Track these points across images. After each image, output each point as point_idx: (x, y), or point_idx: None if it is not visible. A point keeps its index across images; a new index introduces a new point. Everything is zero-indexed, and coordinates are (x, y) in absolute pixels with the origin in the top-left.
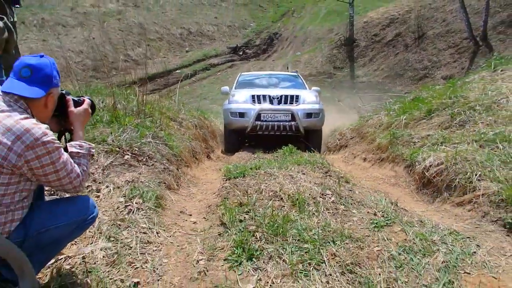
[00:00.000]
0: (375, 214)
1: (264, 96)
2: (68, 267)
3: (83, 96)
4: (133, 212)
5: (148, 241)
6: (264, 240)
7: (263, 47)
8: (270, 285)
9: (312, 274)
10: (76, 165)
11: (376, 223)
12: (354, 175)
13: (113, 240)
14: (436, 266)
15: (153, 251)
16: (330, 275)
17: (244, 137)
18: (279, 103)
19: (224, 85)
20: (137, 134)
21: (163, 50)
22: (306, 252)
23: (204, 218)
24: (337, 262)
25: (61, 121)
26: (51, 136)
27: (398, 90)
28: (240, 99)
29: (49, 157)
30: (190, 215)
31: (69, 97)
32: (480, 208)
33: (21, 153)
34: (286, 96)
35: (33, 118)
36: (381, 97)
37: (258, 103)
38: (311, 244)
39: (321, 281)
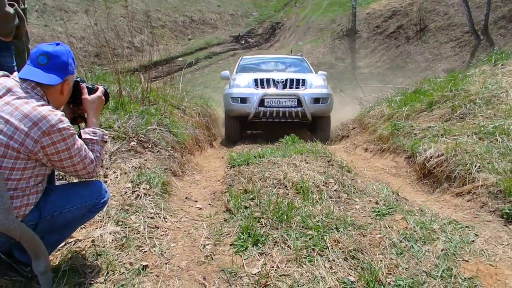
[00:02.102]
0: (377, 203)
1: (268, 80)
2: (78, 250)
3: (97, 84)
4: (140, 197)
5: (155, 225)
6: (269, 226)
7: (265, 36)
8: (275, 270)
9: (316, 260)
10: (90, 151)
11: (378, 211)
12: (356, 165)
13: (121, 225)
14: (436, 254)
15: (161, 235)
16: (333, 260)
17: (246, 126)
18: (284, 87)
19: None
20: (143, 121)
21: (165, 37)
22: (310, 238)
23: (209, 204)
24: (340, 248)
25: (75, 108)
26: (67, 123)
27: (399, 82)
28: (242, 83)
29: (64, 143)
30: (196, 201)
31: (83, 85)
32: (479, 198)
33: (38, 139)
34: (291, 80)
35: (49, 104)
36: (382, 88)
37: (262, 87)
38: (315, 231)
39: (325, 266)
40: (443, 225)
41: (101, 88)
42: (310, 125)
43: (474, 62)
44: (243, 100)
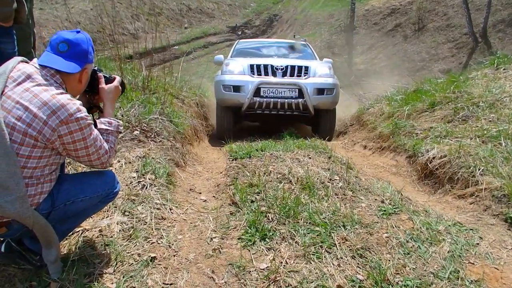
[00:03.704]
0: (382, 202)
1: (265, 66)
2: (85, 239)
3: (113, 75)
4: (146, 187)
5: (162, 217)
6: (276, 221)
7: (262, 28)
8: (284, 266)
9: (324, 257)
10: (104, 142)
11: (384, 210)
12: (355, 162)
13: (128, 215)
14: (443, 255)
15: (167, 227)
16: (341, 258)
17: (240, 118)
18: (284, 75)
19: None
20: (145, 110)
21: (161, 25)
22: (317, 235)
23: (213, 196)
24: (347, 246)
25: (91, 97)
26: (84, 112)
27: (395, 80)
28: (236, 70)
29: (81, 133)
30: (200, 193)
31: (101, 74)
32: (482, 201)
33: (55, 127)
34: (292, 67)
35: (67, 93)
36: (380, 86)
37: (258, 74)
38: (322, 228)
39: (333, 264)
40: (448, 226)
41: (118, 78)
42: (313, 119)
43: (471, 64)
44: (236, 88)
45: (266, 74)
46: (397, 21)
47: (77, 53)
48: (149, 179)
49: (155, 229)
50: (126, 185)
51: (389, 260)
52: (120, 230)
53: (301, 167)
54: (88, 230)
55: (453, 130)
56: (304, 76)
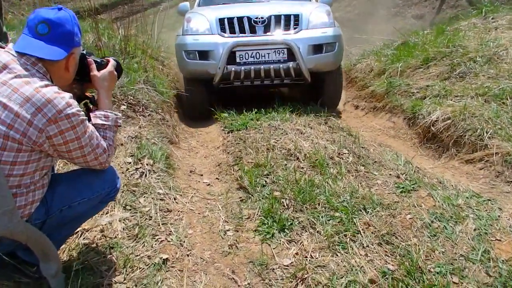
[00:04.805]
0: (398, 177)
1: (240, 20)
2: (87, 242)
3: (106, 57)
4: (145, 175)
5: (167, 209)
6: (292, 208)
7: None
8: (309, 260)
9: (350, 247)
10: (101, 139)
11: (403, 187)
12: (350, 124)
13: (130, 209)
14: (470, 235)
15: (175, 220)
16: (368, 246)
17: (216, 91)
18: (267, 30)
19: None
20: (128, 79)
21: None
22: (339, 222)
23: (217, 178)
24: (372, 232)
25: (81, 86)
26: (76, 107)
27: (369, 29)
28: (200, 27)
29: (73, 132)
30: (201, 175)
31: (91, 59)
32: (493, 167)
33: (43, 128)
34: (277, 17)
35: (54, 84)
36: (367, 39)
37: (231, 32)
38: (342, 213)
39: (360, 254)
40: (467, 199)
41: (112, 61)
42: (314, 85)
43: (444, 8)
44: (203, 54)
45: (243, 31)
46: None
47: (60, 36)
48: (147, 164)
49: (162, 224)
50: (123, 173)
51: (417, 245)
52: (123, 229)
53: (305, 140)
54: (88, 231)
55: (451, 88)
56: (294, 28)
